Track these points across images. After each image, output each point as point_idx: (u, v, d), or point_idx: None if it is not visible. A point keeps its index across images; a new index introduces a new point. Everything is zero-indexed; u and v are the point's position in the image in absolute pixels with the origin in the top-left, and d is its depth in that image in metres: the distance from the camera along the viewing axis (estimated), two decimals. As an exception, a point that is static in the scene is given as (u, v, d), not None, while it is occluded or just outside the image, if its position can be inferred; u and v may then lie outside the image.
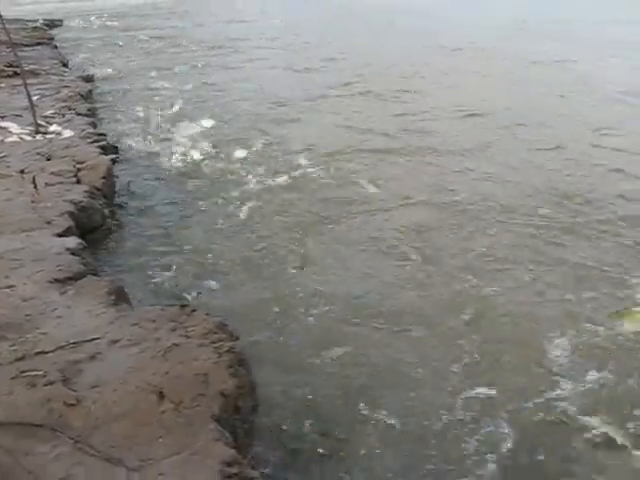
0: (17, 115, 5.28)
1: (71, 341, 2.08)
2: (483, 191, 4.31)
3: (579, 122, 6.05)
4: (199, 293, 2.90)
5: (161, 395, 1.85)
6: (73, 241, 2.88)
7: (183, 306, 2.31)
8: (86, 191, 3.49)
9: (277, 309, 2.88)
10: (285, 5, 22.09)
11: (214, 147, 5.09)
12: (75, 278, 2.54)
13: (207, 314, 2.26)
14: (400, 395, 2.39)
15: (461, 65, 9.19)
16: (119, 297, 2.42)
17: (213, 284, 3.03)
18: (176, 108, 6.52)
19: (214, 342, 2.06)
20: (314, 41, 11.97)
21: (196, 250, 3.39)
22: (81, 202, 3.33)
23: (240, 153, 5.02)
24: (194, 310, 2.26)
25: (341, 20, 16.13)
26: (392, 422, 2.23)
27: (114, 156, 4.21)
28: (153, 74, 8.70)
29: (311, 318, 2.83)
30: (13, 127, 4.90)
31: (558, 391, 2.40)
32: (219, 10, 24.11)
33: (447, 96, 7.17)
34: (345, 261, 3.35)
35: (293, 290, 3.05)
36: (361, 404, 2.31)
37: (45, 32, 12.65)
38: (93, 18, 19.30)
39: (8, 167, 3.95)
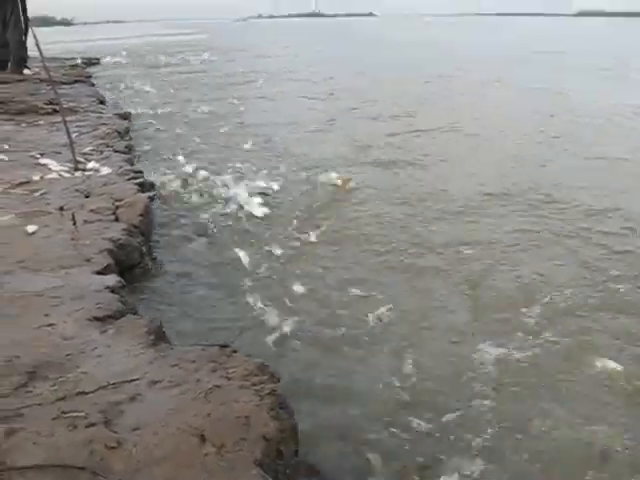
0: (56, 152, 5.37)
1: (111, 381, 2.07)
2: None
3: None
4: (240, 333, 2.88)
5: (203, 438, 1.82)
6: (112, 279, 2.89)
7: (223, 346, 2.29)
8: (124, 229, 3.51)
9: (318, 349, 2.85)
10: (315, 40, 22.51)
11: (256, 193, 5.09)
12: (115, 317, 2.54)
13: (248, 355, 2.24)
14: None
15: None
16: (158, 336, 2.41)
17: (253, 323, 3.01)
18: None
19: (255, 384, 2.04)
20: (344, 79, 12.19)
21: (235, 289, 3.39)
22: (119, 240, 3.34)
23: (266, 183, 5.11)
24: (234, 351, 2.24)
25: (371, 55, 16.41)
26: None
27: (151, 194, 4.24)
28: (189, 108, 8.87)
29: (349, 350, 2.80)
30: (52, 164, 4.98)
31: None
32: (249, 45, 24.60)
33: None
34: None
35: (335, 327, 3.03)
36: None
37: (83, 70, 12.96)
38: (126, 55, 19.74)
39: (48, 204, 4.00)
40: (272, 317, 3.07)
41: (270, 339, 2.89)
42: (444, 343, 2.92)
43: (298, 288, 3.40)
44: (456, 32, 40.25)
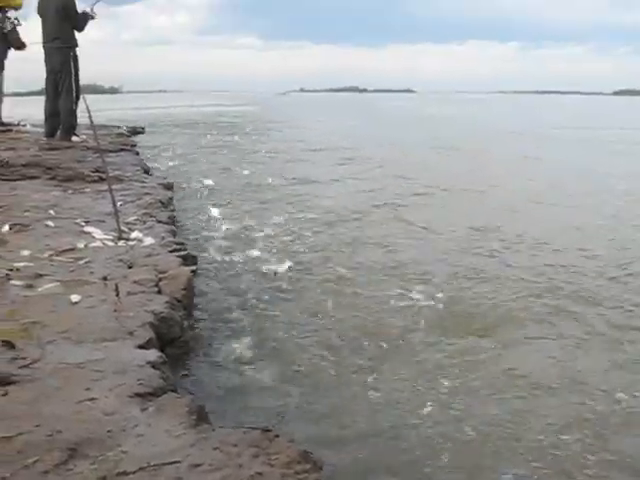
0: (101, 220, 5.45)
1: (152, 463, 2.04)
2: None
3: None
4: (282, 417, 2.84)
5: (244, 528, 1.78)
6: (154, 354, 2.88)
7: (266, 430, 2.25)
8: (167, 302, 3.53)
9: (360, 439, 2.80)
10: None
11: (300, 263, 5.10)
12: (156, 394, 2.52)
13: (291, 440, 2.20)
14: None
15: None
16: (200, 417, 2.38)
17: (296, 406, 2.97)
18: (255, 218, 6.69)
19: (298, 473, 1.99)
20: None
21: (278, 369, 3.35)
22: (162, 313, 3.35)
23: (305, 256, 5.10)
24: (277, 435, 2.20)
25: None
26: None
27: (194, 267, 4.28)
28: (233, 179, 9.05)
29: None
30: (97, 232, 5.05)
31: None
32: (301, 120, 25.24)
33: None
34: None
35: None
36: None
37: (128, 138, 13.29)
38: (170, 124, 20.26)
39: (91, 273, 4.05)
40: (316, 401, 3.03)
41: (314, 424, 2.84)
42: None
43: (349, 377, 3.35)
44: (491, 109, 40.85)
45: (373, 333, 3.89)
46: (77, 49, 11.84)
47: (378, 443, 2.77)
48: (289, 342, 3.75)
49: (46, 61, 11.86)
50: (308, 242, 5.93)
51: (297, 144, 14.93)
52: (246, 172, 10.17)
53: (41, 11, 11.66)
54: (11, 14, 12.49)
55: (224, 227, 6.46)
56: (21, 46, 13.20)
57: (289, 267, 4.96)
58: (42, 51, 11.99)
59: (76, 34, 11.71)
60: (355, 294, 4.55)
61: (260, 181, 9.56)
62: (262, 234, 6.30)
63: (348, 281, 4.84)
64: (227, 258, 5.30)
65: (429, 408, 3.03)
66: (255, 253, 5.51)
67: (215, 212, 7.30)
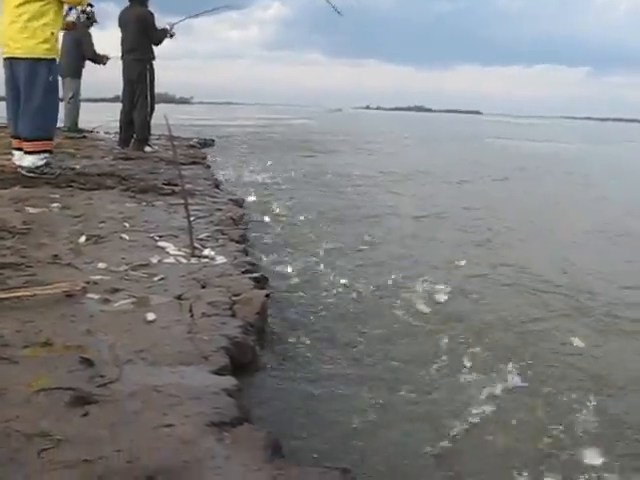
0: (174, 235, 5.53)
1: (230, 498, 2.04)
2: None
3: None
4: (362, 460, 2.77)
5: None
6: (229, 381, 2.87)
7: (345, 471, 2.21)
8: (240, 326, 3.53)
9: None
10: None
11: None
12: (232, 424, 2.51)
13: (370, 484, 2.16)
14: None
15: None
16: (275, 451, 2.37)
17: (372, 444, 2.91)
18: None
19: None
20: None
21: (348, 401, 3.31)
22: (236, 338, 3.36)
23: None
24: (354, 478, 2.17)
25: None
26: None
27: (269, 292, 4.28)
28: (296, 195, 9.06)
29: None
30: (170, 247, 5.12)
31: None
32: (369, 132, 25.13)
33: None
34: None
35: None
36: None
37: (199, 150, 13.50)
38: (240, 136, 20.51)
39: (166, 290, 4.09)
40: (388, 436, 2.98)
41: (391, 463, 2.78)
42: None
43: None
44: (555, 135, 38.61)
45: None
46: (154, 62, 12.14)
47: None
48: (362, 371, 3.69)
49: (124, 72, 12.24)
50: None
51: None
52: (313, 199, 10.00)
53: (121, 23, 12.04)
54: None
55: (291, 245, 6.46)
56: (99, 60, 13.60)
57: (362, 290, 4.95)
58: (119, 62, 12.35)
59: (153, 47, 12.04)
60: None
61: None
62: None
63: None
64: (300, 278, 5.30)
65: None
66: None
67: (283, 229, 7.34)
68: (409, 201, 10.32)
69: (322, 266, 5.74)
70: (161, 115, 6.15)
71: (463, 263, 6.20)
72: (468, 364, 3.79)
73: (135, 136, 12.18)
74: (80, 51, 13.68)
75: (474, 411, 3.22)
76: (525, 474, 2.71)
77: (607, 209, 10.74)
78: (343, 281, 5.26)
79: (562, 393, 3.49)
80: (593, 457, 2.85)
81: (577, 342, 4.27)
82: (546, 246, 7.47)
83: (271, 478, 2.16)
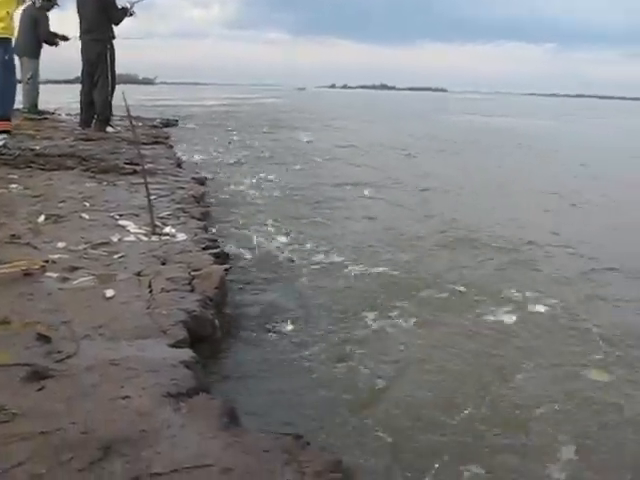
0: (134, 214, 5.51)
1: (184, 465, 2.06)
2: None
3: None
4: (321, 427, 2.81)
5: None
6: (187, 353, 2.91)
7: (297, 437, 2.26)
8: (199, 300, 3.55)
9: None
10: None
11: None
12: (188, 394, 2.54)
13: (322, 448, 2.21)
14: None
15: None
16: (231, 419, 2.40)
17: (327, 411, 2.96)
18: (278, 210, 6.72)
19: (329, 482, 2.01)
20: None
21: (306, 373, 3.36)
22: (194, 312, 3.38)
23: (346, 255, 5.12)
24: (308, 443, 2.22)
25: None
26: None
27: (228, 266, 4.30)
28: (261, 175, 9.10)
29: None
30: (131, 226, 5.11)
31: None
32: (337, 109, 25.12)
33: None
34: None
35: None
36: None
37: (161, 130, 13.39)
38: (204, 116, 20.37)
39: (125, 268, 4.09)
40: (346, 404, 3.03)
41: (345, 429, 2.83)
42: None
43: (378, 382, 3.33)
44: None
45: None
46: (114, 41, 11.99)
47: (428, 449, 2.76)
48: (322, 344, 3.74)
49: (82, 52, 12.05)
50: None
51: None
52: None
53: (79, 2, 11.83)
54: None
55: (257, 223, 6.48)
56: (53, 41, 13.41)
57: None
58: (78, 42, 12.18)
59: (113, 27, 11.89)
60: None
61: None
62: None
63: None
64: (260, 256, 5.33)
65: None
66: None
67: (245, 207, 7.34)
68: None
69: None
70: (121, 95, 6.09)
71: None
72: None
73: (97, 116, 12.04)
74: (38, 31, 13.45)
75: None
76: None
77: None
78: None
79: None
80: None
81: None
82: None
83: (225, 445, 2.20)
